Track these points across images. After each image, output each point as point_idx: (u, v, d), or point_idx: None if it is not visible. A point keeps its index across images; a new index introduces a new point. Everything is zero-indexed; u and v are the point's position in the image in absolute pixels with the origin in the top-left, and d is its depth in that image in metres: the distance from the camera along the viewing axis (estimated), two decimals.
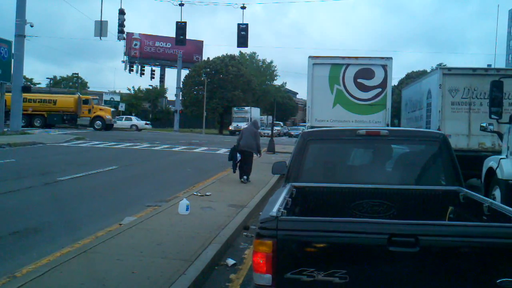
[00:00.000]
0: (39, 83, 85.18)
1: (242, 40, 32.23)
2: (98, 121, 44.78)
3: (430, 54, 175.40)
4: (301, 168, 5.00)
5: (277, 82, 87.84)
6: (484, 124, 9.35)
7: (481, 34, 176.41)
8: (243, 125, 53.64)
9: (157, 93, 72.80)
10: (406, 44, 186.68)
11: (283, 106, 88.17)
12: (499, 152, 9.56)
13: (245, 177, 13.07)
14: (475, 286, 3.08)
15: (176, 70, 65.89)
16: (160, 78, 75.35)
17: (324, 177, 5.16)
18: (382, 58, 15.53)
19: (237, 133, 53.52)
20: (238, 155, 13.19)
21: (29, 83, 68.19)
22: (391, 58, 15.40)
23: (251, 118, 55.86)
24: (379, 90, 15.16)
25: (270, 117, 74.69)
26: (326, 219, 3.47)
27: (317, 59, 15.64)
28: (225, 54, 67.41)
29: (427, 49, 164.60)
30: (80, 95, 48.38)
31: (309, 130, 6.21)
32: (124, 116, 54.89)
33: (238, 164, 13.26)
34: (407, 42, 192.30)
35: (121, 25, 34.25)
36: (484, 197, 4.43)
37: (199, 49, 74.79)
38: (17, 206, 9.30)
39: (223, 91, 63.05)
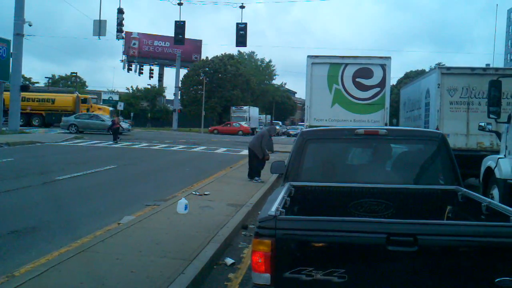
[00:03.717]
0: (37, 82, 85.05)
1: (241, 39, 32.24)
2: None
3: (431, 53, 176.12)
4: (300, 168, 5.00)
5: (276, 81, 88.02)
6: (482, 124, 9.36)
7: (483, 33, 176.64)
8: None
9: (156, 92, 72.75)
10: (408, 42, 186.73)
11: (282, 106, 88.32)
12: (497, 152, 9.58)
13: (256, 178, 13.22)
14: (474, 285, 3.08)
15: (175, 69, 65.93)
16: (159, 77, 75.34)
17: (323, 176, 5.15)
18: (381, 57, 15.56)
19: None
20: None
21: (27, 82, 68.09)
22: (389, 57, 15.43)
23: (249, 117, 56.03)
24: (378, 89, 15.17)
25: (269, 116, 74.84)
26: (325, 219, 3.47)
27: (316, 59, 15.65)
28: (224, 54, 67.48)
29: (429, 47, 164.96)
30: (79, 94, 48.34)
31: (308, 129, 6.21)
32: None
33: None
34: (410, 40, 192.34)
35: (119, 24, 34.23)
36: (483, 197, 4.44)
37: (198, 49, 74.79)
38: (16, 205, 9.29)
39: (221, 90, 63.07)
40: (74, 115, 39.44)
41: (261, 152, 13.28)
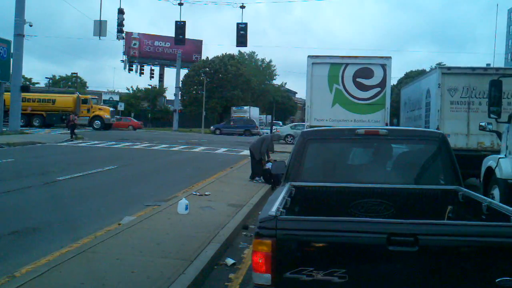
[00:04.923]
0: (38, 83, 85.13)
1: (242, 39, 32.26)
2: (97, 121, 44.73)
3: (432, 53, 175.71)
4: (301, 168, 5.00)
5: (277, 81, 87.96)
6: (483, 124, 9.35)
7: (484, 32, 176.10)
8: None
9: (156, 93, 72.77)
10: (410, 42, 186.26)
11: (282, 106, 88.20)
12: (498, 152, 9.57)
13: (257, 178, 13.27)
14: (475, 285, 3.08)
15: (175, 69, 65.96)
16: (159, 77, 75.35)
17: (323, 176, 5.15)
18: (381, 57, 15.56)
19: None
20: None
21: (28, 83, 68.18)
22: (390, 57, 15.44)
23: (250, 118, 55.99)
24: (378, 89, 15.17)
25: (269, 117, 74.80)
26: (325, 219, 3.47)
27: (316, 59, 15.65)
28: (224, 54, 67.50)
29: (430, 47, 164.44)
30: (79, 95, 48.31)
31: (308, 129, 6.21)
32: None
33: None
34: (411, 39, 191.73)
35: (120, 24, 34.28)
36: (483, 197, 4.44)
37: (198, 49, 74.83)
38: (17, 205, 9.29)
39: (222, 90, 63.09)
40: (290, 125, 38.02)
41: (259, 155, 13.36)
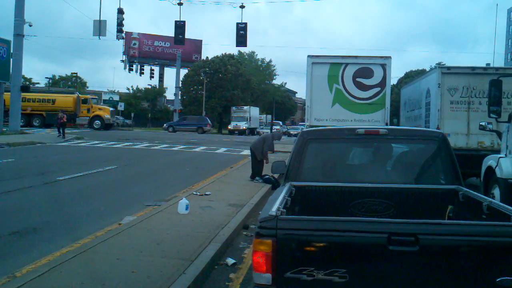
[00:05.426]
0: (38, 83, 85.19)
1: (241, 39, 32.30)
2: (97, 121, 44.73)
3: (432, 53, 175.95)
4: (301, 167, 5.00)
5: (277, 81, 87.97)
6: (483, 123, 9.36)
7: (484, 32, 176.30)
8: (243, 124, 53.82)
9: (156, 93, 72.77)
10: (410, 41, 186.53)
11: (282, 106, 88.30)
12: (498, 151, 9.58)
13: (257, 178, 13.27)
14: (475, 285, 3.08)
15: (175, 69, 65.93)
16: (159, 77, 75.35)
17: (324, 176, 5.16)
18: (381, 57, 15.56)
19: (236, 132, 53.62)
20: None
21: (28, 83, 68.20)
22: (390, 57, 15.43)
23: (250, 118, 56.02)
24: (378, 89, 15.17)
25: (269, 116, 74.80)
26: (326, 218, 3.47)
27: (316, 58, 15.66)
28: (224, 54, 67.48)
29: (431, 47, 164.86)
30: (79, 95, 48.31)
31: (308, 129, 6.21)
32: None
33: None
34: (411, 39, 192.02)
35: (120, 24, 34.32)
36: (484, 196, 4.44)
37: (198, 49, 74.83)
38: (17, 205, 9.29)
39: (222, 90, 63.03)
40: None
41: (261, 154, 13.35)
